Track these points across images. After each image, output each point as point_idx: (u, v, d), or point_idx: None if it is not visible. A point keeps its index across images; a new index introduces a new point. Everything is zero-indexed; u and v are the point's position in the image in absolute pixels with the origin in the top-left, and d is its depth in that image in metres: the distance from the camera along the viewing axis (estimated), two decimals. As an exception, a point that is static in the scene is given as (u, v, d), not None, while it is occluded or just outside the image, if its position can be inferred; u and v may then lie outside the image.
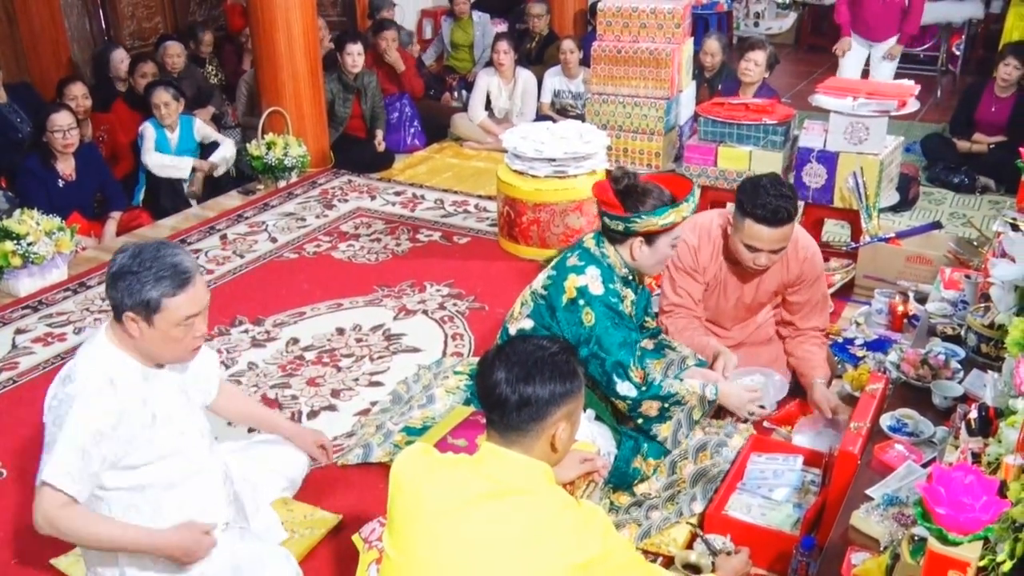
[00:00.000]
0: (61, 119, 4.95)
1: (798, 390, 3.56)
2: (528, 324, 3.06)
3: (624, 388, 2.95)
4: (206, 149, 5.90)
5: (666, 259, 3.08)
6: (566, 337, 2.97)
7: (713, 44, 6.38)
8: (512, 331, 3.10)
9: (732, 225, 3.33)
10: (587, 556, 1.84)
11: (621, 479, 3.01)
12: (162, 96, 5.54)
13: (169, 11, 8.01)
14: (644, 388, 2.95)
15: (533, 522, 1.86)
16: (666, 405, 2.99)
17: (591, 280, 2.94)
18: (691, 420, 3.06)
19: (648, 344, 3.32)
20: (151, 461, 2.34)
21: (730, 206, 3.47)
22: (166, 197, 5.62)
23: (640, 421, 3.01)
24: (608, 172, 2.99)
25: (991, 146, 6.04)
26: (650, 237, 2.95)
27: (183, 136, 5.71)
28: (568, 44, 6.92)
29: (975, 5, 8.59)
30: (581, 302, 2.94)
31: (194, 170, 5.78)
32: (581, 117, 6.13)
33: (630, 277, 3.08)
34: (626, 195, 2.91)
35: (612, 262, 3.01)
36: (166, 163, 5.61)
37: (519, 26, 8.68)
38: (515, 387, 1.92)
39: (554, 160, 4.85)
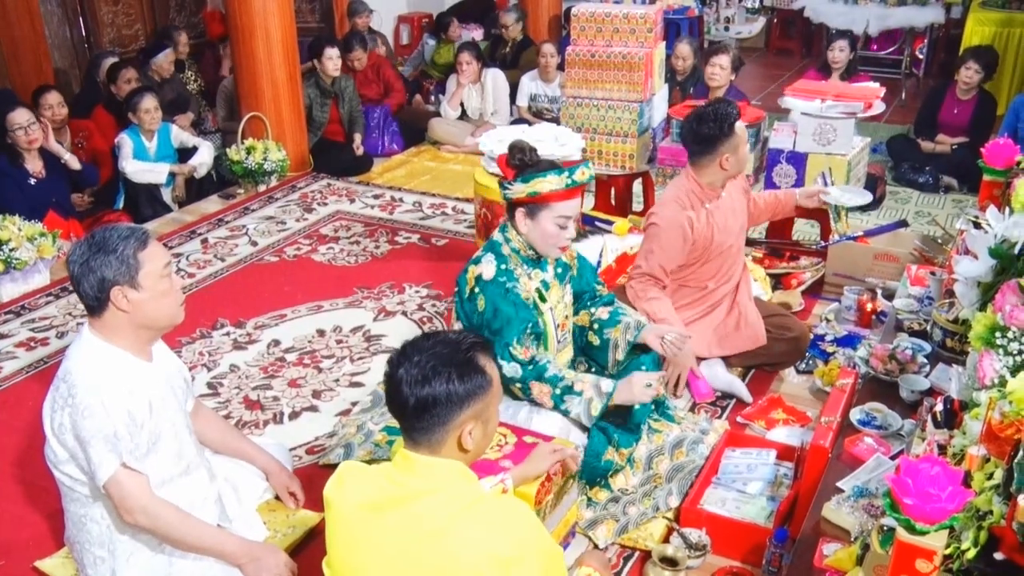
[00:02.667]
0: (19, 116, 4.94)
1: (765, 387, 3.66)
2: (458, 326, 3.05)
3: (510, 369, 2.88)
4: (186, 154, 5.89)
5: (552, 239, 2.97)
6: (473, 327, 2.97)
7: (685, 48, 6.46)
8: None
9: (725, 156, 3.51)
10: (512, 550, 1.75)
11: (592, 473, 2.99)
12: (150, 102, 5.55)
13: (149, 18, 7.96)
14: (529, 367, 2.90)
15: (444, 518, 1.78)
16: (557, 391, 2.90)
17: (486, 266, 2.96)
18: (589, 415, 2.91)
19: (603, 313, 3.29)
20: (149, 452, 2.39)
21: (669, 188, 3.72)
22: (146, 204, 5.62)
23: None
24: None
25: (954, 147, 6.16)
26: (530, 208, 2.93)
27: (161, 143, 5.71)
28: (548, 48, 6.97)
29: (936, 10, 8.74)
30: (477, 289, 2.95)
31: (174, 174, 5.79)
32: (557, 121, 6.18)
33: (537, 258, 3.06)
34: (520, 168, 2.93)
35: (516, 245, 3.02)
36: (143, 168, 5.59)
37: (494, 31, 8.74)
38: (412, 389, 1.81)
39: (530, 163, 4.89)
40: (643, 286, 3.60)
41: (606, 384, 2.94)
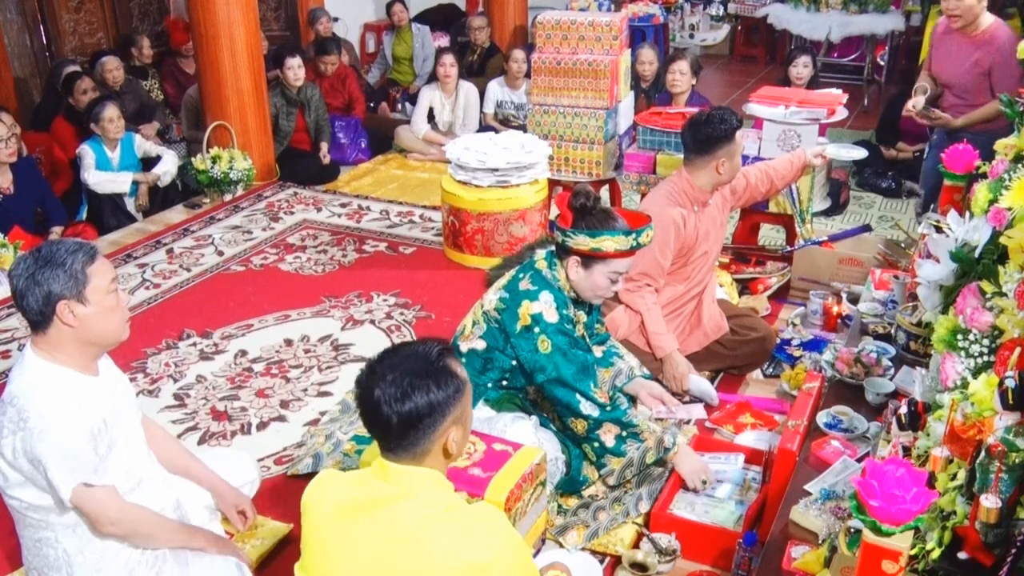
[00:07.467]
0: None
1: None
2: (481, 345, 3.02)
3: (587, 408, 2.91)
4: (150, 164, 5.84)
5: (601, 291, 3.00)
6: (521, 362, 2.96)
7: (649, 53, 6.48)
8: (464, 349, 3.06)
9: (721, 160, 3.56)
10: (486, 556, 1.76)
11: (570, 485, 3.04)
12: (112, 112, 5.50)
13: (111, 27, 7.89)
14: (609, 408, 2.93)
15: (418, 523, 1.78)
16: (624, 434, 2.93)
17: (545, 307, 2.92)
18: (643, 463, 2.97)
19: (596, 351, 3.33)
20: (106, 469, 2.33)
21: (661, 186, 3.77)
22: (110, 215, 5.56)
23: (595, 446, 2.96)
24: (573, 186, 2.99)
25: (916, 153, 6.24)
26: (586, 260, 2.93)
27: (124, 153, 5.66)
28: (518, 54, 6.95)
29: (896, 18, 8.86)
30: (536, 330, 2.91)
31: (138, 184, 5.74)
32: (523, 128, 6.20)
33: (576, 299, 3.07)
34: (580, 213, 2.90)
35: (562, 285, 3.00)
36: (106, 179, 5.54)
37: (460, 39, 8.74)
38: (394, 407, 1.79)
39: (497, 170, 4.91)
40: (638, 287, 3.64)
41: (668, 440, 2.99)
